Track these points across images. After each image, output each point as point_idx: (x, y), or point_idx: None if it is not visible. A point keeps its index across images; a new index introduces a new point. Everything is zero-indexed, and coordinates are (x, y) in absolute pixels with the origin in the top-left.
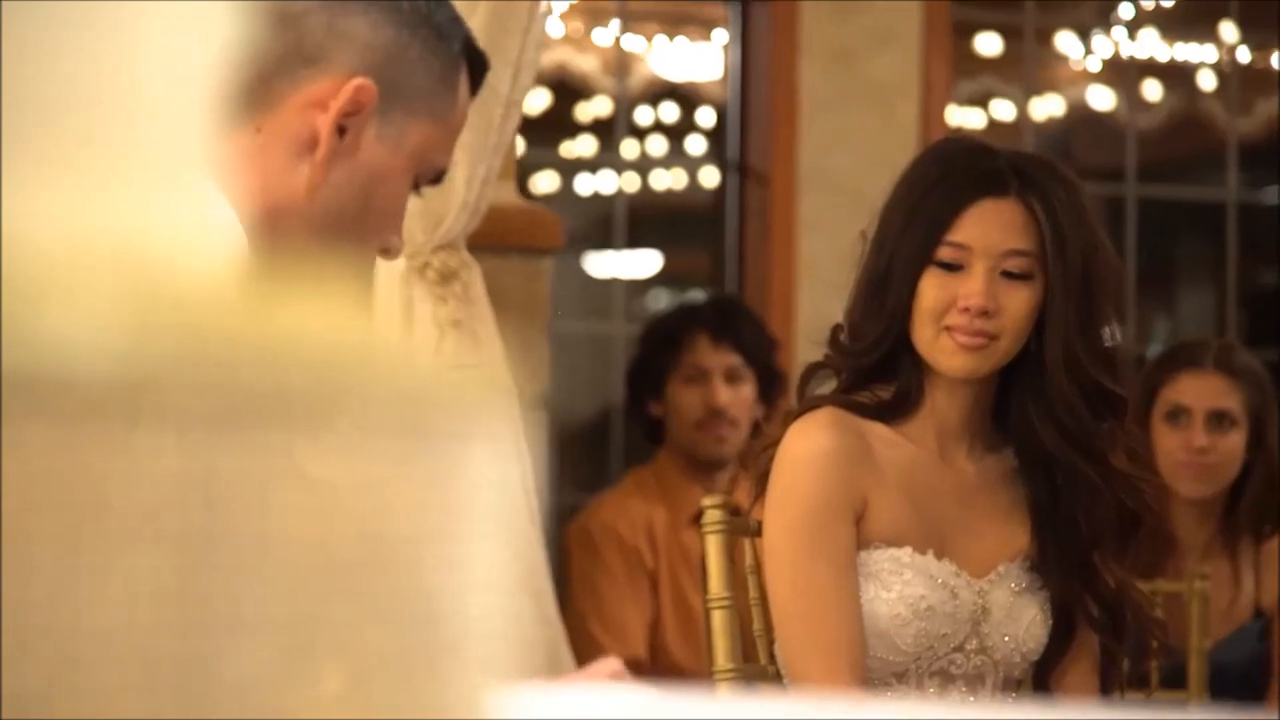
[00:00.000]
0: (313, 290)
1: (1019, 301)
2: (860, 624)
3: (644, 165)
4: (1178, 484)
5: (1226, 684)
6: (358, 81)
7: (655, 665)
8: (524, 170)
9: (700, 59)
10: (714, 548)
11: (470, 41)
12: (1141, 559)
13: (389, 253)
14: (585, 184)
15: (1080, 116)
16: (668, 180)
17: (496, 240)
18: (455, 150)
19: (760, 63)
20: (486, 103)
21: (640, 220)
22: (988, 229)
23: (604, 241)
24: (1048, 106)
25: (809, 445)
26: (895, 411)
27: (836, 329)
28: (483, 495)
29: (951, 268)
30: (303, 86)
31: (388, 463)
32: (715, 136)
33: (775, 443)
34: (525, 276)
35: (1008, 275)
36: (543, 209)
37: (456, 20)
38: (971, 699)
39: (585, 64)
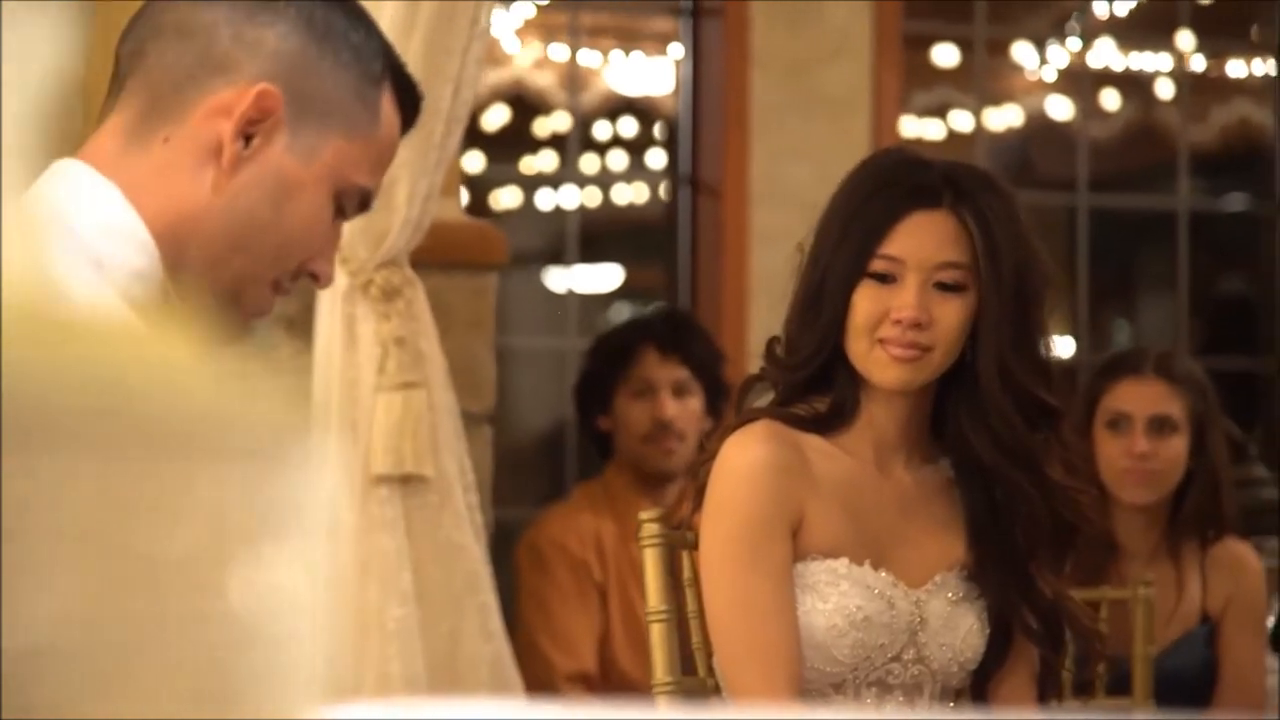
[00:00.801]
0: (111, 308)
1: (952, 313)
2: (797, 636)
3: (599, 180)
4: (1121, 491)
5: (1174, 690)
6: (261, 87)
7: (605, 679)
8: (485, 186)
9: (655, 73)
10: (651, 561)
11: (399, 68)
12: (1085, 566)
13: (319, 280)
14: (546, 199)
15: (1037, 126)
16: (625, 194)
17: (442, 256)
18: (396, 168)
19: (712, 76)
20: (427, 120)
21: (601, 235)
22: (920, 241)
23: (567, 256)
24: (1004, 117)
25: (744, 458)
26: (831, 423)
27: (772, 342)
28: (280, 515)
29: (884, 280)
30: (209, 95)
31: (176, 482)
32: (669, 150)
33: (714, 456)
34: (471, 293)
35: (940, 287)
36: (488, 225)
37: (377, 42)
38: (910, 709)
39: (542, 80)
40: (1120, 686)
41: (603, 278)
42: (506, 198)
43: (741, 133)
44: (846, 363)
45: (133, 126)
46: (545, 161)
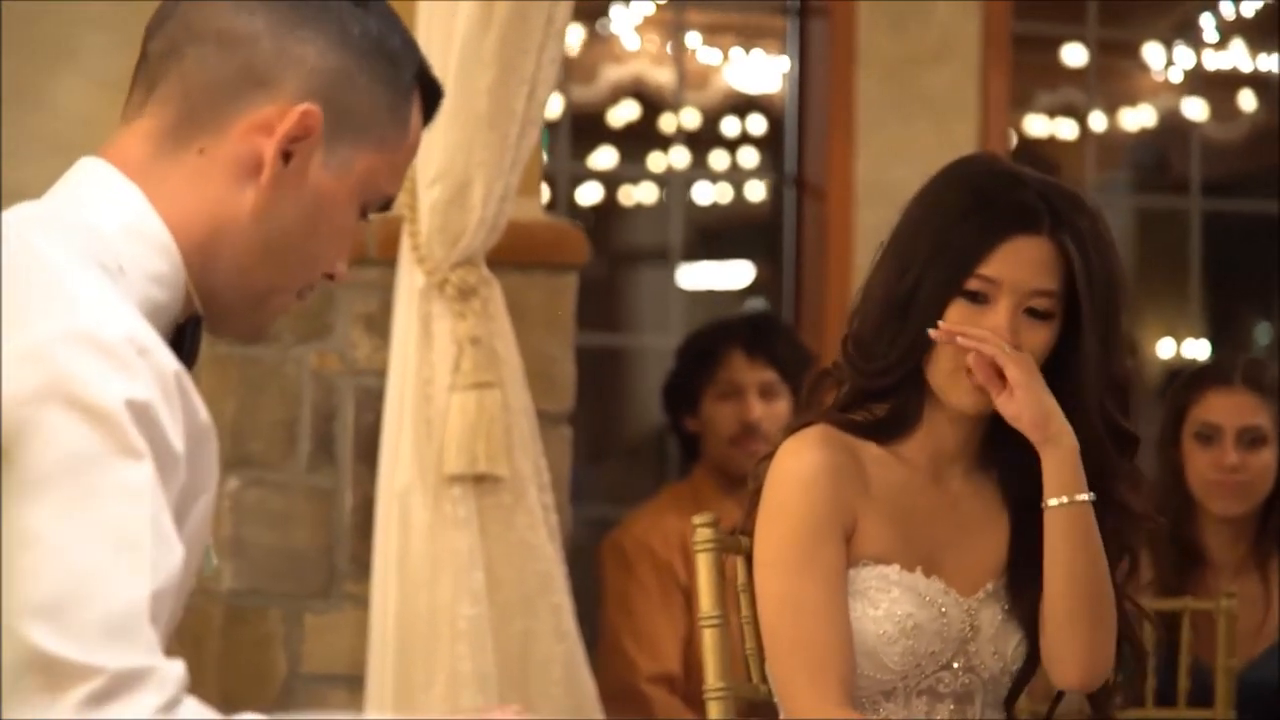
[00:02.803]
0: None
1: (1039, 341)
2: (849, 642)
3: (712, 178)
4: (1210, 502)
5: (1258, 703)
6: (304, 107)
7: (690, 681)
8: (616, 181)
9: (770, 72)
10: (705, 566)
11: (424, 69)
12: (1171, 577)
13: (335, 278)
14: (654, 194)
15: (1162, 128)
16: (731, 193)
17: (521, 256)
18: (472, 168)
19: (817, 76)
20: (502, 121)
21: (717, 233)
22: (1019, 265)
23: (695, 254)
24: (1135, 118)
25: (799, 462)
26: (889, 431)
27: (847, 340)
28: None
29: (976, 299)
30: (249, 111)
31: None
32: (776, 150)
33: (770, 457)
34: (550, 292)
35: (1031, 313)
36: (567, 224)
37: (410, 46)
38: (960, 718)
39: (661, 77)
40: (1202, 697)
41: (730, 275)
42: (637, 194)
43: (846, 133)
44: (915, 373)
45: (165, 133)
46: (663, 160)
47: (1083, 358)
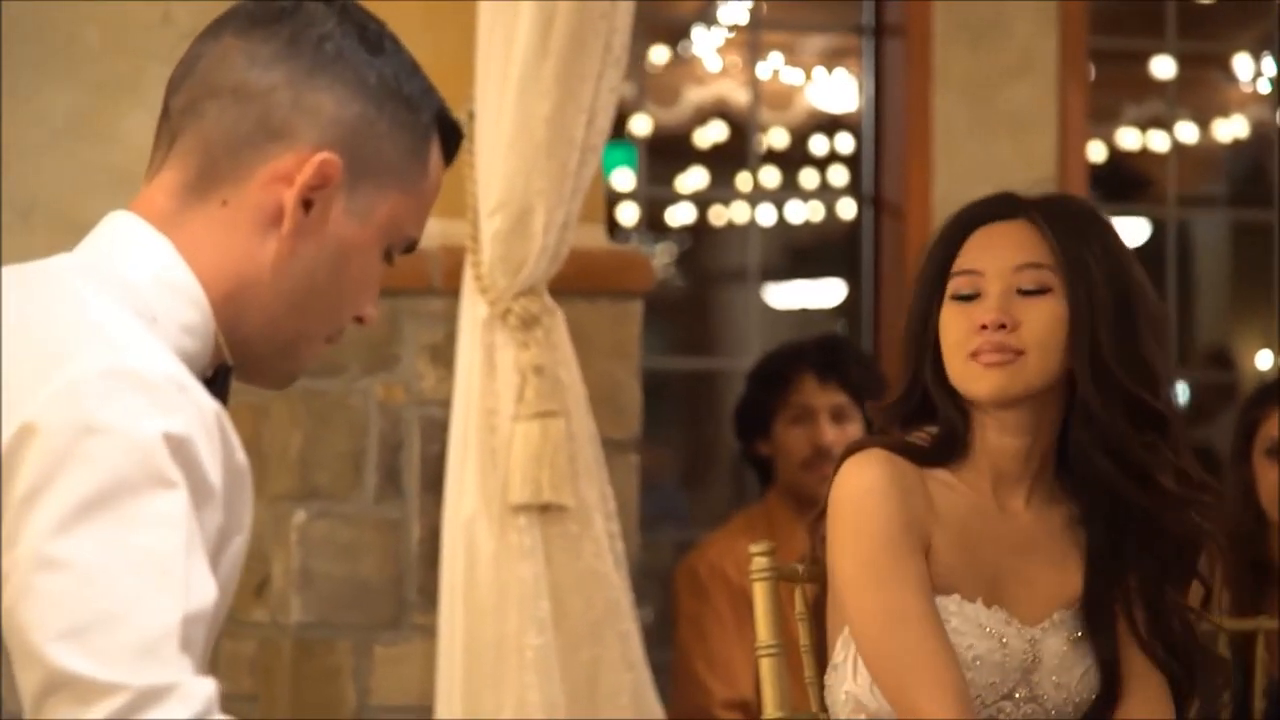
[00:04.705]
0: None
1: (1039, 315)
2: (954, 652)
3: (792, 198)
4: None
5: None
6: (322, 156)
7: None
8: (707, 201)
9: (852, 91)
10: (761, 595)
11: (443, 110)
12: (1244, 594)
13: (364, 321)
14: (743, 215)
15: (1259, 138)
16: (809, 213)
17: (585, 284)
18: (532, 196)
19: (894, 95)
20: (561, 149)
21: (823, 250)
22: (994, 248)
23: (788, 273)
24: (1230, 129)
25: (867, 475)
26: (945, 454)
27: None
28: None
29: (969, 299)
30: (269, 161)
31: None
32: (853, 169)
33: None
34: (615, 319)
35: (1024, 293)
36: (632, 251)
37: (427, 88)
38: None
39: (743, 97)
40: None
41: (823, 294)
42: (729, 214)
43: (924, 152)
44: (949, 392)
45: (188, 185)
46: (752, 180)
47: (1080, 329)
